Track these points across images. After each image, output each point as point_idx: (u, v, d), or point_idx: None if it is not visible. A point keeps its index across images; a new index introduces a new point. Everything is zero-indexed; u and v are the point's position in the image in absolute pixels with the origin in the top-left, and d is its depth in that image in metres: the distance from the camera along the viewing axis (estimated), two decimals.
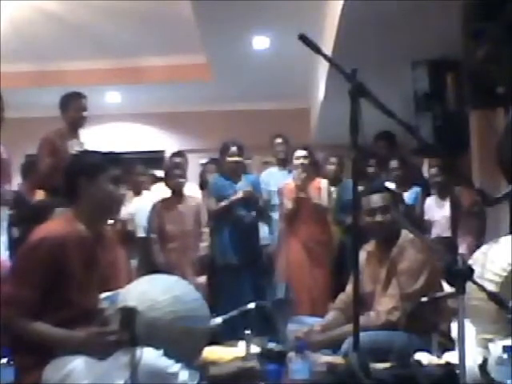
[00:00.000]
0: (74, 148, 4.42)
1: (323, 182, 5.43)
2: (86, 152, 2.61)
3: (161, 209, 5.29)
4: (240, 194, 5.20)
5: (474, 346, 2.36)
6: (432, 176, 5.03)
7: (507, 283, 2.34)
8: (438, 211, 4.95)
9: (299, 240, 5.30)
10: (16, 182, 5.05)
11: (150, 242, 5.24)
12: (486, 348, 2.30)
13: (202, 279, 5.07)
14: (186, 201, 5.34)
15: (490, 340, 2.34)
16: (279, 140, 6.11)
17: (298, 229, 5.32)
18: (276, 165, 6.16)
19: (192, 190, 5.98)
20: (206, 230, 5.27)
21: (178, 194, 5.33)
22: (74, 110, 4.62)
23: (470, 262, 2.50)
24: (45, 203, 4.00)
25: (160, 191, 5.77)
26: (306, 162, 5.34)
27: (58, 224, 2.44)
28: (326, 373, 2.36)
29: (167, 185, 5.49)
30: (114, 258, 4.74)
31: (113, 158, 2.56)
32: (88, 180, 2.45)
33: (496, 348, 2.20)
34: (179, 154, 5.58)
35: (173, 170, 5.41)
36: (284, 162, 5.96)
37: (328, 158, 5.97)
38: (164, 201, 5.34)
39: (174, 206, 5.29)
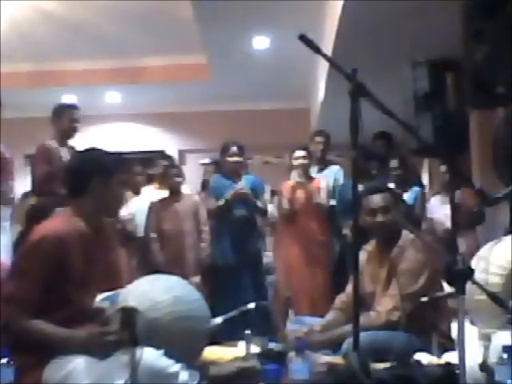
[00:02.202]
0: (65, 156, 4.46)
1: (323, 182, 5.42)
2: (100, 151, 2.58)
3: (158, 208, 5.31)
4: (238, 192, 5.19)
5: (474, 346, 2.36)
6: (442, 174, 5.05)
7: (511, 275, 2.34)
8: (443, 209, 4.95)
9: (299, 240, 5.30)
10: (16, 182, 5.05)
11: (149, 242, 5.25)
12: (489, 340, 2.31)
13: (197, 279, 5.07)
14: (183, 200, 5.35)
15: (494, 332, 2.35)
16: (319, 138, 5.82)
17: (297, 229, 5.32)
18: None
19: (190, 189, 6.00)
20: (207, 229, 5.28)
21: (175, 193, 5.35)
22: (67, 120, 4.68)
23: (475, 257, 2.51)
24: (45, 203, 4.00)
25: (153, 192, 5.80)
26: (305, 162, 5.34)
27: (58, 222, 2.45)
28: (325, 373, 2.36)
29: (164, 184, 5.51)
30: (115, 257, 4.74)
31: (122, 160, 2.59)
32: (102, 180, 2.46)
33: (498, 338, 2.21)
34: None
35: (169, 169, 5.44)
36: (319, 161, 5.77)
37: None
38: (162, 200, 5.36)
39: (172, 205, 5.30)
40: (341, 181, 5.69)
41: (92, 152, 2.57)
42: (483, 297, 2.21)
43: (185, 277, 3.11)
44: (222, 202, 5.20)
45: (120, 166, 2.53)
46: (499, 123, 3.04)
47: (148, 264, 5.20)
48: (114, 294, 2.59)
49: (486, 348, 2.32)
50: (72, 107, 4.81)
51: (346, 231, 5.18)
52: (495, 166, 2.93)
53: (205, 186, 6.10)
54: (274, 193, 5.89)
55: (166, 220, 5.26)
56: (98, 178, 2.45)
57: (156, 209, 5.31)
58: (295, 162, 5.36)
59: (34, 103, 7.41)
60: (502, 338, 2.16)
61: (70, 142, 4.75)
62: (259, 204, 5.33)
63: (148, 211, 5.32)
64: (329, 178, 5.60)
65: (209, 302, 2.63)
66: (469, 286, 1.88)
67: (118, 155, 2.64)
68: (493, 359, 2.15)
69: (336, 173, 5.75)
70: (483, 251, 2.57)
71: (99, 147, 2.62)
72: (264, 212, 5.50)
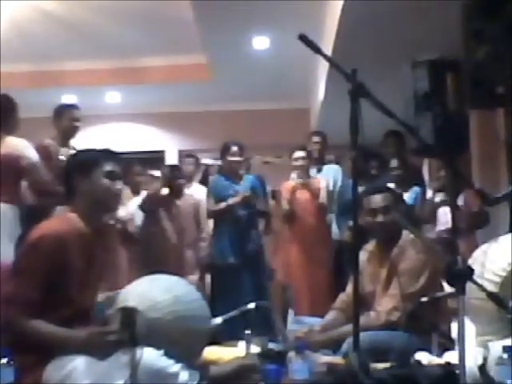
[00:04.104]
0: (65, 156, 4.46)
1: (322, 182, 5.42)
2: (80, 150, 2.64)
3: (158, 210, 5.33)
4: (238, 198, 5.19)
5: (474, 346, 2.36)
6: (441, 177, 5.05)
7: (507, 283, 2.34)
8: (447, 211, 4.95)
9: (298, 240, 5.30)
10: None
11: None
12: (486, 348, 2.30)
13: (195, 277, 5.09)
14: (184, 198, 5.38)
15: (490, 340, 2.34)
16: (316, 139, 5.87)
17: (297, 229, 5.32)
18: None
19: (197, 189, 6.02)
20: (207, 228, 5.28)
21: (176, 192, 5.36)
22: (67, 120, 4.68)
23: (469, 261, 2.51)
24: (45, 203, 4.00)
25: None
26: (304, 162, 5.34)
27: (57, 222, 2.45)
28: (325, 373, 2.36)
29: (166, 184, 5.53)
30: (115, 257, 4.75)
31: (107, 153, 2.56)
32: (82, 177, 2.47)
33: (496, 348, 2.20)
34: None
35: (173, 171, 5.48)
36: (316, 161, 5.79)
37: None
38: (163, 198, 5.39)
39: (173, 203, 5.31)
40: (339, 181, 5.69)
41: (73, 154, 2.62)
42: (478, 302, 2.21)
43: (183, 276, 3.11)
44: (223, 206, 5.19)
45: (101, 159, 2.51)
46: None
47: (148, 264, 5.22)
48: (114, 294, 2.59)
49: (484, 349, 2.32)
50: (72, 107, 4.84)
51: (346, 231, 5.19)
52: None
53: (204, 183, 6.11)
54: (274, 193, 5.89)
55: (166, 218, 5.28)
56: (79, 176, 2.47)
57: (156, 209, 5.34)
58: (295, 163, 5.36)
59: (34, 103, 7.39)
60: (500, 348, 2.15)
61: (72, 142, 4.75)
62: (259, 206, 5.34)
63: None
64: (328, 177, 5.61)
65: (209, 302, 2.63)
66: (467, 289, 1.87)
67: (104, 150, 2.61)
68: (491, 369, 2.15)
69: (335, 172, 5.76)
70: (478, 254, 2.56)
71: (84, 148, 2.64)
72: (263, 213, 5.50)
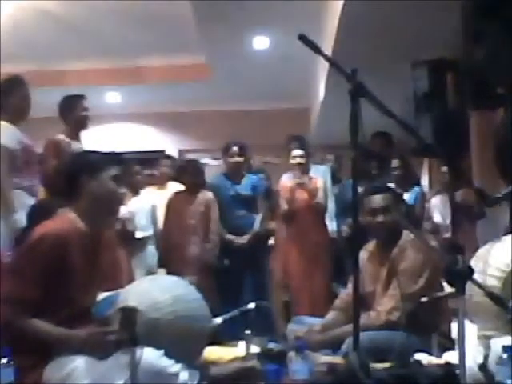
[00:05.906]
0: (78, 149, 4.43)
1: (320, 182, 5.42)
2: (88, 151, 2.64)
3: (173, 203, 5.34)
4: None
5: (474, 346, 2.36)
6: (443, 174, 5.05)
7: (509, 279, 2.34)
8: (445, 208, 4.96)
9: (297, 240, 5.29)
10: None
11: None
12: (487, 344, 2.30)
13: (194, 278, 5.08)
14: (197, 196, 5.34)
15: (492, 336, 2.35)
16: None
17: (296, 229, 5.32)
18: None
19: None
20: (215, 228, 5.23)
21: (191, 189, 5.34)
22: (78, 110, 4.64)
23: (473, 259, 2.51)
24: (49, 202, 4.00)
25: (153, 192, 5.84)
26: (303, 161, 5.34)
27: (58, 222, 2.45)
28: (325, 373, 2.36)
29: (181, 181, 5.54)
30: (115, 257, 4.74)
31: (114, 158, 2.58)
32: (89, 178, 2.47)
33: (497, 344, 2.20)
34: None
35: (189, 165, 5.47)
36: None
37: None
38: (177, 194, 5.40)
39: (185, 201, 5.30)
40: (329, 181, 5.69)
41: (79, 154, 2.61)
42: (481, 299, 2.21)
43: (183, 275, 3.11)
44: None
45: (109, 162, 2.53)
46: (501, 122, 3.04)
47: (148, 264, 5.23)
48: (114, 294, 2.59)
49: (485, 348, 2.32)
50: (81, 97, 4.76)
51: (346, 231, 5.19)
52: (497, 165, 2.93)
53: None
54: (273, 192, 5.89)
55: (177, 216, 5.27)
56: (84, 177, 2.48)
57: (169, 205, 5.34)
58: (293, 161, 5.36)
59: (34, 103, 7.39)
60: (501, 345, 2.15)
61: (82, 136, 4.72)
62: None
63: (165, 207, 5.38)
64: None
65: (209, 302, 2.63)
66: (468, 287, 1.88)
67: (110, 153, 2.63)
68: (492, 366, 2.15)
69: (322, 173, 5.74)
70: (481, 252, 2.57)
71: (90, 149, 2.64)
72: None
